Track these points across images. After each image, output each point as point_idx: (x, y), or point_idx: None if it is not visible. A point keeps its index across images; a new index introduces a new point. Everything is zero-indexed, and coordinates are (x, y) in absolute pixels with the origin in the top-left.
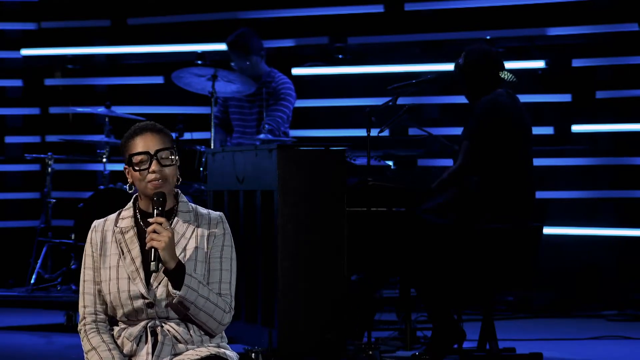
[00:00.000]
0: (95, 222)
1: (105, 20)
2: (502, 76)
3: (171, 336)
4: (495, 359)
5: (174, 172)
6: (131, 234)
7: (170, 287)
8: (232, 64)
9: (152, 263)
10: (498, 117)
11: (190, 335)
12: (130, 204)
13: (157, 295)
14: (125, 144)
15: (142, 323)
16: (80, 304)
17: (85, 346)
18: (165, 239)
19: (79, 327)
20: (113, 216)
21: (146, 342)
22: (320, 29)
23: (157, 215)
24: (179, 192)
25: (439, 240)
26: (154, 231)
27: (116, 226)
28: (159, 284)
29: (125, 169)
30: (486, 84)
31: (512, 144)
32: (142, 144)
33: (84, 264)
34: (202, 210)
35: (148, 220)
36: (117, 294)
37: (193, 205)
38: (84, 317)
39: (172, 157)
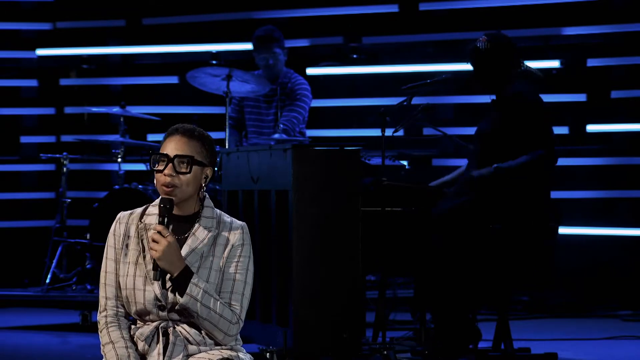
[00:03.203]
0: (121, 214)
1: (120, 20)
2: (532, 70)
3: (183, 337)
4: (510, 359)
5: (189, 180)
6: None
7: (177, 294)
8: (259, 57)
9: (152, 272)
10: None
11: (203, 337)
12: (158, 200)
13: (170, 299)
14: (162, 141)
15: (155, 323)
16: (101, 294)
17: (104, 338)
18: (160, 248)
19: (98, 318)
20: (139, 210)
21: (157, 342)
22: (335, 29)
23: (159, 222)
24: (207, 196)
25: (453, 240)
26: (154, 240)
27: (141, 221)
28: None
29: None
30: (511, 72)
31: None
32: (168, 145)
33: (106, 255)
34: (226, 218)
35: (151, 227)
36: (133, 291)
37: (218, 211)
38: (105, 309)
39: (191, 166)
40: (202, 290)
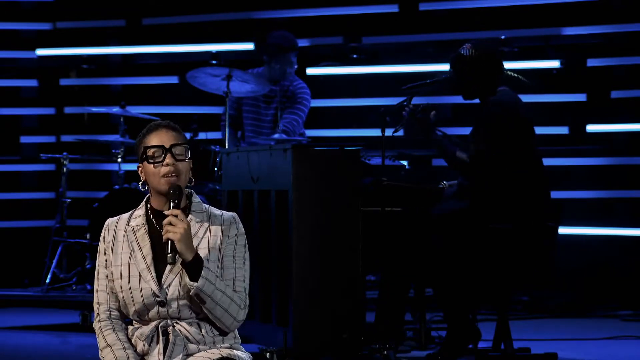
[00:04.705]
0: (108, 221)
1: (120, 20)
2: (519, 77)
3: (183, 336)
4: (510, 359)
5: (187, 168)
6: (142, 232)
7: (187, 280)
8: (274, 64)
9: (168, 255)
10: (510, 119)
11: (202, 335)
12: (143, 203)
13: (169, 294)
14: (140, 140)
15: (154, 323)
16: (95, 300)
17: (101, 343)
18: (181, 230)
19: (94, 324)
20: (126, 215)
21: (157, 342)
22: (335, 29)
23: (172, 208)
24: (193, 192)
25: (454, 240)
26: (170, 223)
27: (128, 225)
28: (171, 283)
29: (138, 167)
30: (495, 80)
31: (522, 142)
32: (157, 139)
33: (98, 262)
34: (216, 211)
35: (164, 212)
36: (129, 292)
37: (206, 205)
38: (99, 314)
39: (186, 153)
40: (214, 274)
